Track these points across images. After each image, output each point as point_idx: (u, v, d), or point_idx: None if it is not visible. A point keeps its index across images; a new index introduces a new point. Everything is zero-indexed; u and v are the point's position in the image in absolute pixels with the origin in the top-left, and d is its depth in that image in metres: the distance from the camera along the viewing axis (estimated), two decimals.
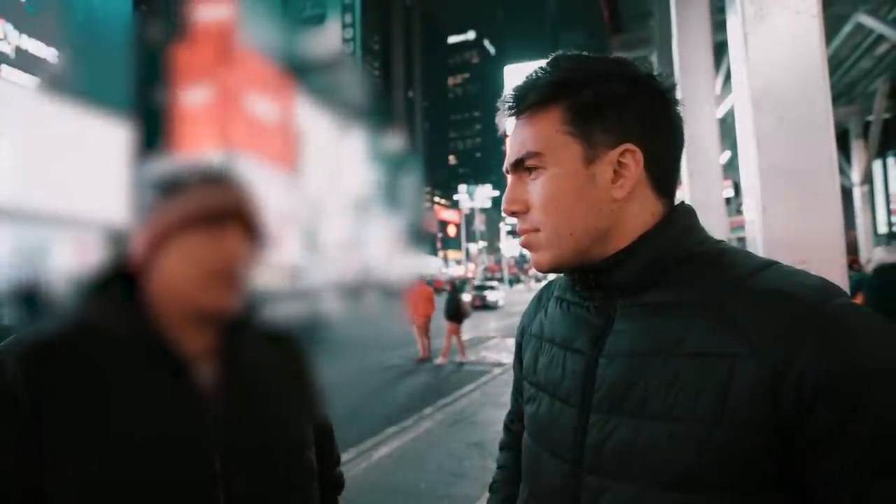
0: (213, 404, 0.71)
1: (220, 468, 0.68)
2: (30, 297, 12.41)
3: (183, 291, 0.71)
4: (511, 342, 10.45)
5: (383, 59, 77.91)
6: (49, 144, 17.75)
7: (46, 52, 19.88)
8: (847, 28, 6.67)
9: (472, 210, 63.24)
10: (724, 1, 2.24)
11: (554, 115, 0.60)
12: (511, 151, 0.63)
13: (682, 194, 4.03)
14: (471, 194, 63.54)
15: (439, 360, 8.83)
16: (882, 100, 9.17)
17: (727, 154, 8.08)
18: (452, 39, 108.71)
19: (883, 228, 12.24)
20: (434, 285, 9.97)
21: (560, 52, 0.63)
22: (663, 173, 0.61)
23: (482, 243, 69.57)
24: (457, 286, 9.88)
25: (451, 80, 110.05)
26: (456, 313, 9.06)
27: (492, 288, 25.74)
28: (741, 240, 3.88)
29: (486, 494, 0.87)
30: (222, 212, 0.72)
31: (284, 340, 0.88)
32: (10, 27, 18.56)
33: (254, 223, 0.76)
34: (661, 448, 0.52)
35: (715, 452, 0.50)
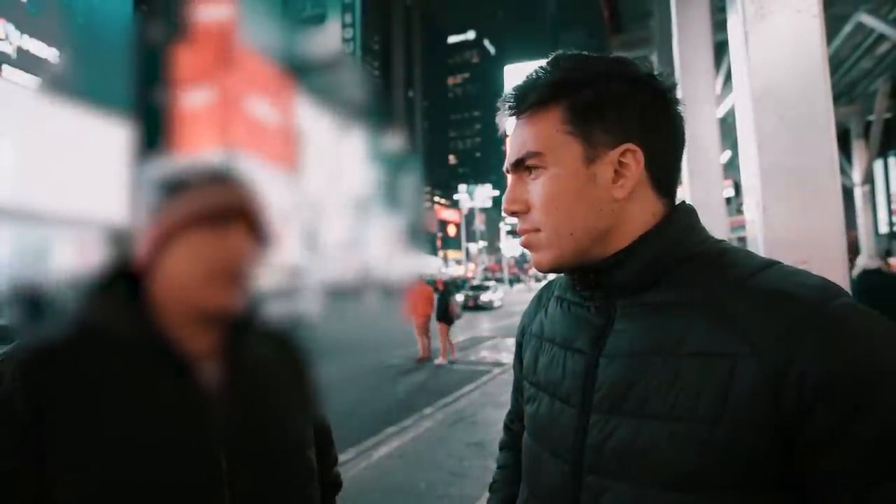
0: (217, 404, 0.71)
1: (226, 468, 0.68)
2: (31, 298, 12.40)
3: (186, 290, 0.71)
4: (511, 342, 10.47)
5: (383, 59, 77.89)
6: (50, 144, 17.78)
7: (47, 52, 19.91)
8: (848, 27, 6.66)
9: (472, 210, 63.26)
10: (724, 0, 2.24)
11: (554, 115, 0.60)
12: (511, 151, 0.63)
13: (683, 194, 4.03)
14: (471, 194, 63.54)
15: (439, 361, 8.83)
16: (883, 99, 9.16)
17: (727, 154, 8.07)
18: (452, 39, 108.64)
19: (884, 228, 12.25)
20: (435, 285, 9.92)
21: (560, 51, 0.63)
22: (664, 173, 0.61)
23: (482, 243, 69.59)
24: (449, 287, 9.88)
25: (451, 80, 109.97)
26: (445, 314, 9.08)
27: (486, 288, 25.43)
28: (741, 240, 3.88)
29: (486, 494, 0.87)
30: (226, 211, 0.72)
31: (285, 340, 0.87)
32: (11, 27, 18.60)
33: (258, 222, 0.75)
34: (661, 448, 0.52)
35: (715, 452, 0.49)
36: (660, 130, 0.60)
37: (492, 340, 12.00)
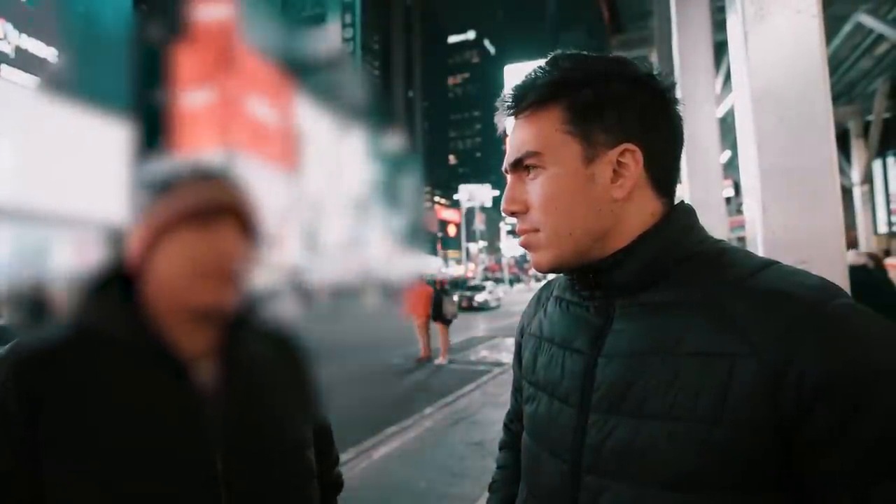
0: (214, 404, 0.71)
1: (222, 469, 0.68)
2: (30, 298, 12.40)
3: (178, 289, 0.70)
4: (510, 342, 10.42)
5: (383, 59, 77.85)
6: (49, 144, 17.76)
7: (46, 51, 19.89)
8: (847, 28, 6.66)
9: (472, 209, 63.25)
10: (724, 0, 2.24)
11: (553, 115, 0.59)
12: (510, 151, 0.63)
13: (682, 194, 4.03)
14: (471, 194, 63.51)
15: (439, 360, 8.84)
16: (882, 99, 9.16)
17: (727, 154, 8.07)
18: (452, 39, 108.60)
19: (883, 228, 12.25)
20: (436, 285, 9.93)
21: (560, 51, 0.63)
22: (663, 173, 0.61)
23: (482, 243, 69.57)
24: (444, 288, 9.89)
25: (451, 80, 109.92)
26: (440, 313, 9.09)
27: (482, 289, 24.36)
28: (741, 239, 3.88)
29: (486, 494, 0.87)
30: (215, 207, 0.71)
31: (283, 340, 0.87)
32: (9, 27, 18.57)
33: (248, 220, 0.75)
34: (660, 448, 0.52)
35: (714, 452, 0.49)
36: (659, 130, 0.60)
37: (492, 340, 12.00)
